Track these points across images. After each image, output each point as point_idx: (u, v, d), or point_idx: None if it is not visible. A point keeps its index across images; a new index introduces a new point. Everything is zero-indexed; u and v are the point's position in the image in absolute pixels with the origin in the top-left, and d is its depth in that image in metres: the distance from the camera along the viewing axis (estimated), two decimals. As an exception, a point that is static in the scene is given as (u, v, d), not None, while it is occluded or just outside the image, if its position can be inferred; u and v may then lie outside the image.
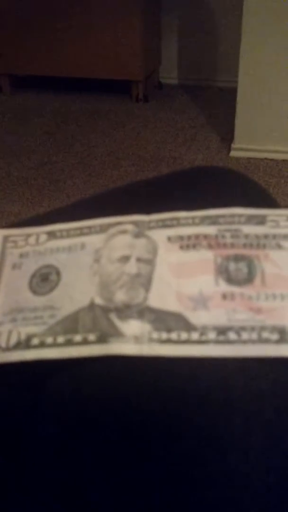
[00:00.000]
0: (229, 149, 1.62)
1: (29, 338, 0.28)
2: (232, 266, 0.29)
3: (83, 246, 0.32)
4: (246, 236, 0.31)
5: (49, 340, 0.27)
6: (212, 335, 0.26)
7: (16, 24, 1.95)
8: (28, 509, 0.25)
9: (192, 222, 0.32)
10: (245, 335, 0.26)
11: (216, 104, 2.00)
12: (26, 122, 1.88)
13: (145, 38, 1.92)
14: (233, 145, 1.61)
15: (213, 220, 0.32)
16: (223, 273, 0.29)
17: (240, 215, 0.32)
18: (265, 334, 0.26)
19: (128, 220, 0.32)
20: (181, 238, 0.31)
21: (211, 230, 0.31)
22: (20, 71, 2.10)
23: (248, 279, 0.29)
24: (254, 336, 0.26)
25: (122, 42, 1.91)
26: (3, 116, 1.94)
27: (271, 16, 1.41)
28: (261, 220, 0.32)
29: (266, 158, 1.57)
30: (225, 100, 1.84)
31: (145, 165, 1.57)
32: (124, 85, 2.03)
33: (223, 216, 0.32)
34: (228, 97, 1.64)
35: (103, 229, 0.32)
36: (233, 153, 1.61)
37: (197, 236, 0.31)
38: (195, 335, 0.26)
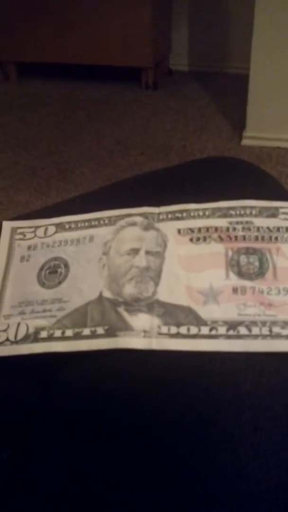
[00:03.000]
0: (240, 138, 1.59)
1: (37, 331, 0.28)
2: (243, 259, 0.29)
3: (91, 238, 0.31)
4: (258, 229, 0.30)
5: (58, 333, 0.27)
6: (222, 330, 0.26)
7: (22, 10, 1.93)
8: (36, 499, 0.25)
9: (202, 214, 0.31)
10: (255, 330, 0.26)
11: (227, 91, 1.96)
12: (33, 111, 1.87)
13: (155, 24, 1.88)
14: (244, 134, 1.58)
15: (224, 212, 0.31)
16: (234, 266, 0.28)
17: (252, 207, 0.31)
18: (276, 329, 0.26)
19: (138, 212, 0.32)
20: (191, 230, 0.30)
21: (222, 222, 0.30)
22: (27, 59, 2.08)
23: (260, 273, 0.28)
24: (265, 330, 0.26)
25: (132, 28, 1.87)
26: (10, 104, 1.93)
27: (284, 1, 1.37)
28: (273, 213, 0.31)
29: (278, 147, 1.54)
30: (237, 87, 1.81)
31: (154, 154, 1.55)
32: (133, 72, 2.00)
33: (234, 208, 0.31)
34: (240, 84, 1.61)
35: (112, 221, 0.32)
36: (244, 142, 1.58)
37: (207, 229, 0.30)
38: (205, 330, 0.26)
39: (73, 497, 0.24)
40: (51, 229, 0.33)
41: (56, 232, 0.33)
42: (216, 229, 0.30)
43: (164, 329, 0.26)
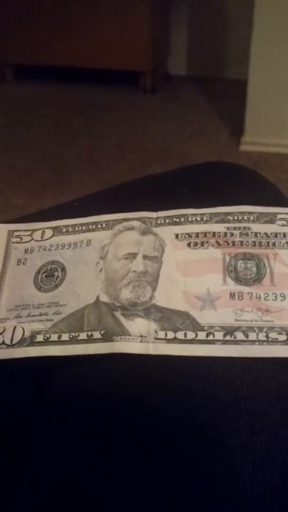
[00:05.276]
0: (238, 143, 1.60)
1: (33, 334, 0.28)
2: (240, 265, 0.29)
3: (89, 242, 0.31)
4: (256, 234, 0.30)
5: (54, 337, 0.27)
6: (219, 335, 0.26)
7: (20, 12, 1.93)
8: (31, 504, 0.25)
9: (200, 219, 0.31)
10: (252, 336, 0.26)
11: (226, 96, 1.97)
12: (30, 113, 1.87)
13: (153, 28, 1.89)
14: (243, 139, 1.59)
15: (222, 218, 0.31)
16: (232, 272, 0.29)
17: (249, 213, 0.31)
18: (273, 335, 0.26)
19: (135, 217, 0.32)
20: (189, 235, 0.31)
21: (219, 227, 0.31)
22: (24, 61, 2.08)
23: (257, 279, 0.28)
24: (262, 336, 0.26)
25: (130, 32, 1.88)
26: (6, 106, 1.93)
27: (284, 6, 1.38)
28: (271, 218, 0.31)
29: (277, 153, 1.55)
30: (236, 93, 1.82)
31: (152, 158, 1.55)
32: (131, 76, 2.01)
33: (232, 213, 0.31)
34: (239, 89, 1.62)
35: (109, 225, 0.32)
36: (243, 147, 1.59)
37: (205, 234, 0.30)
38: (202, 335, 0.26)
39: (68, 502, 0.24)
40: (48, 233, 0.33)
41: (53, 235, 0.33)
42: (213, 234, 0.30)
43: (161, 334, 0.26)
